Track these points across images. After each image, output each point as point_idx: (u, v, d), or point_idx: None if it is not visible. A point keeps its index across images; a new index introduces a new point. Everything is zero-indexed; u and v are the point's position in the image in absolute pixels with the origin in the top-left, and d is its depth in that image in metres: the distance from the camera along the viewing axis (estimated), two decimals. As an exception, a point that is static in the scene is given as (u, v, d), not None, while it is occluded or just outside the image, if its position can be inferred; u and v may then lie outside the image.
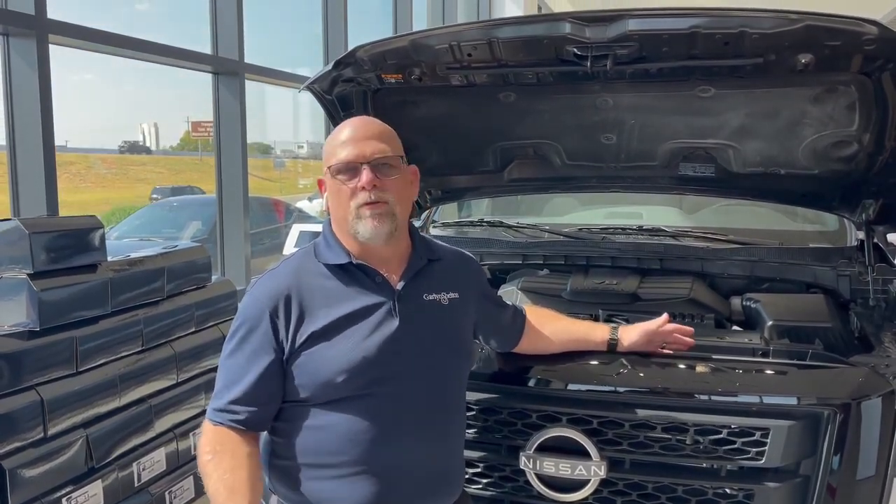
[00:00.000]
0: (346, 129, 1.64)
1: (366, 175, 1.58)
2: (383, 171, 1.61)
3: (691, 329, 2.04)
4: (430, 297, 1.70)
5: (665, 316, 2.02)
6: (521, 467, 1.87)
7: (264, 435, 1.68)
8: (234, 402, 1.58)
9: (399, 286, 1.66)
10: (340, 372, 1.56)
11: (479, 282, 1.90)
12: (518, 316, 1.98)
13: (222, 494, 1.49)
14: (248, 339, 1.60)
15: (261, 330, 1.59)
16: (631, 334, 1.99)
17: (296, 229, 4.64)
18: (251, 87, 5.24)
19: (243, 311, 1.64)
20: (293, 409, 1.62)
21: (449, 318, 1.72)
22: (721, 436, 1.79)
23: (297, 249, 1.76)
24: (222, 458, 1.54)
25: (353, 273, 1.64)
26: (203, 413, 3.08)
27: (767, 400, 1.84)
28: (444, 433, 1.69)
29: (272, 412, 1.62)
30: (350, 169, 1.60)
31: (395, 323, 1.62)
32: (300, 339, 1.58)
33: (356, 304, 1.61)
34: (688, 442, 1.81)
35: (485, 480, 1.96)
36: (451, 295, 1.73)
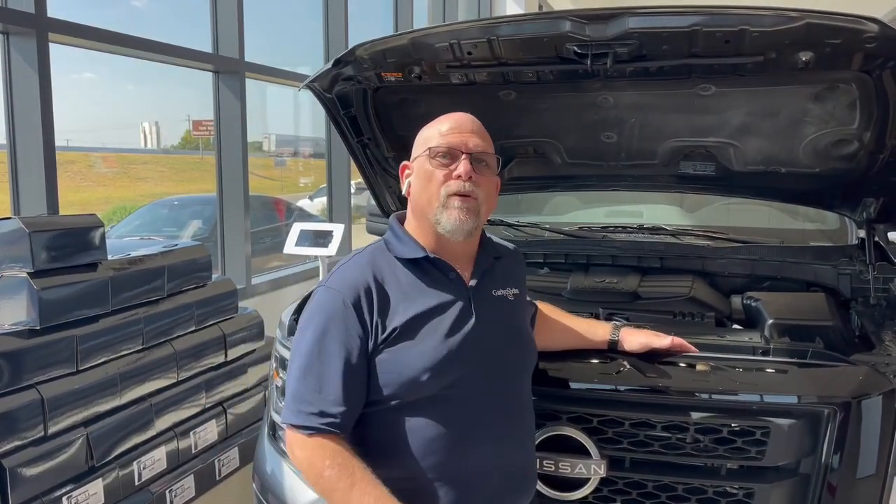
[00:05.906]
0: (450, 119, 1.65)
1: (464, 165, 1.57)
2: (480, 168, 1.60)
3: (695, 349, 1.99)
4: (498, 294, 1.68)
5: (671, 338, 1.96)
6: (522, 466, 1.87)
7: None
8: (327, 404, 1.49)
9: (472, 283, 1.64)
10: (425, 370, 1.51)
11: (525, 276, 1.89)
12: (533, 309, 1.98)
13: None
14: (330, 334, 1.52)
15: (345, 323, 1.52)
16: (632, 343, 1.96)
17: (296, 228, 4.62)
18: (251, 85, 5.24)
19: (321, 306, 1.56)
20: (369, 413, 1.55)
21: (515, 314, 1.71)
22: (721, 434, 1.79)
23: (368, 245, 1.69)
24: (352, 471, 1.45)
25: (426, 269, 1.62)
26: (203, 412, 3.10)
27: (768, 398, 1.84)
28: (520, 431, 1.66)
29: (359, 412, 1.54)
30: (449, 155, 1.58)
31: (472, 320, 1.59)
32: (384, 333, 1.53)
33: (434, 300, 1.58)
34: (688, 440, 1.81)
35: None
36: (514, 291, 1.73)
